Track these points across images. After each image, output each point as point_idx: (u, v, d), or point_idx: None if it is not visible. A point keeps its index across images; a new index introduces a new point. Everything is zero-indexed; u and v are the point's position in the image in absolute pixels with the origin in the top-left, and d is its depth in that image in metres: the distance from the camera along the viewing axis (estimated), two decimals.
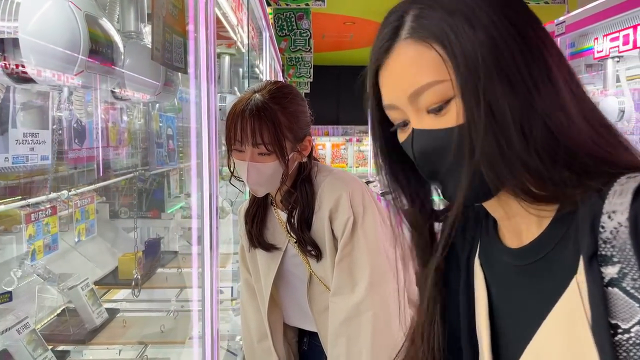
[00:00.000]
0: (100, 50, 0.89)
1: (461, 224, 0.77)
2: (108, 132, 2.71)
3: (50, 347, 1.56)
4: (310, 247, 1.42)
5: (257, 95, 1.34)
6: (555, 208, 0.62)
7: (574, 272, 0.58)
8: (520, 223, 0.66)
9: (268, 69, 3.49)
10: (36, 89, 1.97)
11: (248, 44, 2.68)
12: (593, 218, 0.57)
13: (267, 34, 3.21)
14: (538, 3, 4.39)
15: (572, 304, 0.58)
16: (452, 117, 0.60)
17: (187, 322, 1.92)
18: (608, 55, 2.88)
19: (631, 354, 0.54)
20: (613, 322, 0.55)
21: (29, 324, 1.48)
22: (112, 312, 1.95)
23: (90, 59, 0.87)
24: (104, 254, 2.65)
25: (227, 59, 2.80)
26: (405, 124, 0.65)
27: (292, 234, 1.43)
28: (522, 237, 0.67)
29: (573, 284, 0.58)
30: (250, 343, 1.65)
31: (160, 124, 3.52)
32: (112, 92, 1.24)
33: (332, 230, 1.41)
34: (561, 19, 3.26)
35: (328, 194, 1.41)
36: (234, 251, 3.01)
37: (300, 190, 1.43)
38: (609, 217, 0.56)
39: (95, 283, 2.16)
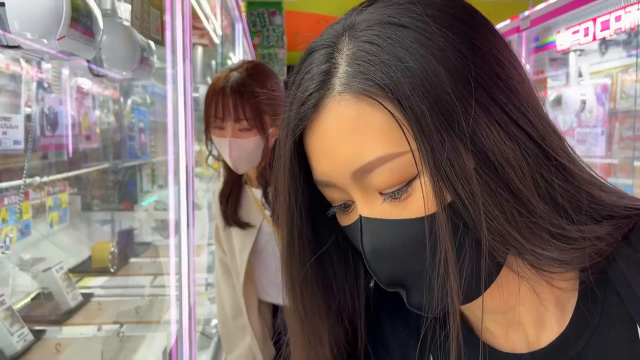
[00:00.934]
0: (80, 19, 0.93)
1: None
2: (80, 122, 2.70)
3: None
4: None
5: (235, 73, 1.38)
6: (577, 281, 0.49)
7: (636, 354, 0.46)
8: (527, 314, 0.50)
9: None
10: (9, 72, 1.97)
11: (222, 35, 2.71)
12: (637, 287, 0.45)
13: (240, 26, 3.24)
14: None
15: None
16: (419, 202, 0.43)
17: (161, 304, 1.94)
18: (569, 48, 3.01)
19: None
20: None
21: (5, 301, 1.49)
22: (87, 297, 1.96)
23: (71, 27, 0.90)
24: (76, 244, 2.63)
25: (199, 49, 2.82)
26: (346, 205, 0.48)
27: (267, 207, 1.48)
28: (535, 332, 0.50)
29: None
30: (224, 321, 1.68)
31: (133, 118, 3.51)
32: (89, 67, 1.26)
33: None
34: (526, 13, 3.38)
35: None
36: (208, 242, 3.03)
37: None
38: None
39: (69, 271, 2.15)
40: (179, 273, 1.41)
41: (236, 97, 1.34)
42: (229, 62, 3.45)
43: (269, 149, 1.42)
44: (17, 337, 1.49)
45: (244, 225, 1.57)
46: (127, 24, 1.29)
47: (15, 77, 1.98)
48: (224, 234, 1.63)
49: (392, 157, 0.42)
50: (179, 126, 1.20)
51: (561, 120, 3.58)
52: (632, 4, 2.39)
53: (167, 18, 1.21)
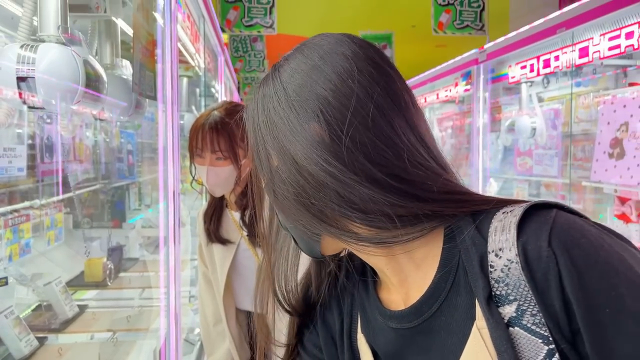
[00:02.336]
0: (92, 84, 1.19)
1: (331, 301, 0.75)
2: (75, 148, 2.93)
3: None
4: (259, 239, 1.71)
5: (215, 112, 1.64)
6: (438, 260, 0.60)
7: (472, 318, 0.56)
8: (409, 281, 0.63)
9: (223, 88, 3.78)
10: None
11: (205, 67, 2.97)
12: (480, 258, 0.56)
13: (222, 58, 3.50)
14: (462, 34, 4.89)
15: (478, 352, 0.55)
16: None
17: (149, 314, 2.17)
18: (519, 81, 3.32)
19: None
20: None
21: (14, 312, 1.71)
22: (82, 308, 2.18)
23: (85, 92, 1.16)
24: (69, 260, 2.85)
25: (185, 80, 3.08)
26: None
27: (244, 228, 1.72)
28: (409, 296, 0.63)
29: (474, 331, 0.55)
30: (206, 327, 1.91)
31: (122, 140, 3.74)
32: (93, 115, 1.51)
33: None
34: (484, 47, 3.70)
35: None
36: (191, 257, 3.25)
37: (252, 190, 1.73)
38: (497, 255, 0.54)
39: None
40: (166, 286, 1.64)
41: (212, 132, 1.60)
42: (212, 90, 3.71)
43: (241, 177, 1.67)
44: (25, 343, 1.71)
45: (224, 242, 1.80)
46: (124, 77, 1.54)
47: (18, 114, 2.21)
48: (206, 249, 1.86)
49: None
50: (167, 154, 1.44)
51: (521, 142, 3.89)
52: (568, 45, 2.70)
53: (159, 70, 1.46)
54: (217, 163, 1.63)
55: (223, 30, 4.37)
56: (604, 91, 3.28)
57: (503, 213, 0.56)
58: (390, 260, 0.63)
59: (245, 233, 1.76)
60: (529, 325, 0.52)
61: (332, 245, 0.66)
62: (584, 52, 2.62)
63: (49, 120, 2.16)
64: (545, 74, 3.05)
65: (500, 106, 3.84)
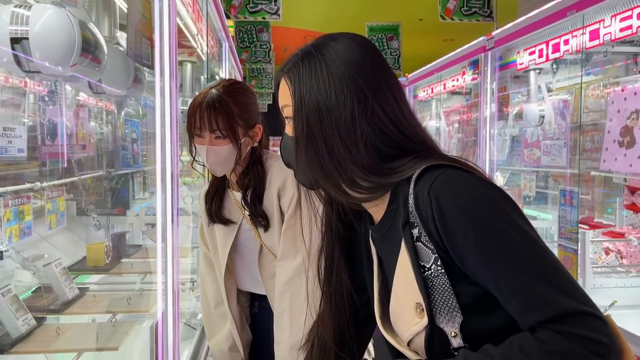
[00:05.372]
0: (89, 49, 1.15)
1: (356, 216, 1.05)
2: (77, 132, 2.91)
3: None
4: (260, 218, 1.68)
5: (213, 90, 1.61)
6: (387, 199, 0.92)
7: (402, 236, 0.87)
8: (373, 210, 0.97)
9: (228, 76, 3.74)
10: (11, 85, 2.18)
11: (207, 52, 2.94)
12: (404, 199, 0.86)
13: (227, 45, 3.47)
14: (470, 20, 4.83)
15: (403, 256, 0.87)
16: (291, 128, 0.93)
17: (150, 297, 2.14)
18: (528, 67, 3.27)
19: (434, 282, 0.84)
20: (422, 264, 0.85)
21: (11, 290, 1.69)
22: (82, 290, 2.16)
23: (82, 56, 1.13)
24: (72, 245, 2.83)
25: (189, 66, 3.05)
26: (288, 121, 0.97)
27: (246, 208, 1.69)
28: (377, 219, 0.97)
29: (402, 243, 0.87)
30: (207, 309, 1.88)
31: (126, 129, 3.72)
32: (90, 86, 1.48)
33: (280, 206, 1.68)
34: (492, 34, 3.64)
35: (277, 174, 1.68)
36: (193, 245, 3.23)
37: (253, 170, 1.69)
38: (410, 197, 0.85)
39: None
40: (164, 272, 1.60)
41: (210, 111, 1.56)
42: (217, 77, 3.68)
43: (241, 156, 1.64)
44: (22, 322, 1.69)
45: (226, 222, 1.77)
46: (122, 49, 1.51)
47: (18, 90, 2.19)
48: (207, 230, 1.83)
49: (287, 105, 0.92)
50: (165, 137, 1.41)
51: (529, 133, 3.84)
52: (578, 29, 2.65)
53: (157, 43, 1.43)
54: (216, 142, 1.60)
55: (228, 17, 4.34)
56: (614, 79, 3.23)
57: (426, 167, 0.85)
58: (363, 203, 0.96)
59: (247, 213, 1.73)
60: (424, 242, 0.84)
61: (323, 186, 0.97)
62: (594, 35, 2.57)
63: (48, 99, 2.14)
64: (555, 59, 2.99)
65: (508, 95, 3.79)
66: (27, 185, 2.26)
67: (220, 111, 1.57)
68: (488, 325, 0.84)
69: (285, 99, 0.92)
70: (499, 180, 4.20)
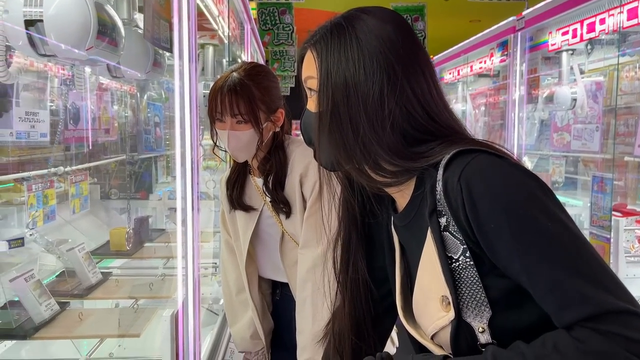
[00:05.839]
0: (106, 31, 1.11)
1: (377, 201, 0.98)
2: (100, 116, 2.91)
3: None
4: (282, 205, 1.64)
5: (234, 74, 1.56)
6: (413, 185, 0.86)
7: (428, 224, 0.82)
8: (397, 196, 0.91)
9: (250, 59, 3.70)
10: (36, 70, 2.17)
11: (229, 34, 2.90)
12: (432, 185, 0.81)
13: (249, 27, 3.42)
14: (500, 0, 4.67)
15: (429, 245, 0.82)
16: (314, 105, 0.86)
17: (172, 282, 2.14)
18: (560, 47, 3.15)
19: (462, 275, 0.79)
20: (449, 255, 0.80)
21: (34, 275, 1.69)
22: (106, 275, 2.16)
23: (98, 39, 1.09)
24: (96, 229, 2.85)
25: (210, 49, 3.01)
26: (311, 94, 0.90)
27: (267, 194, 1.65)
28: (401, 205, 0.91)
29: (428, 232, 0.82)
30: (229, 296, 1.86)
31: (149, 113, 3.71)
32: (108, 69, 1.45)
33: (302, 192, 1.64)
34: (522, 13, 3.51)
35: (299, 160, 1.64)
36: (215, 230, 3.22)
37: (275, 155, 1.65)
38: (438, 183, 0.79)
39: (90, 253, 2.35)
40: (185, 256, 1.58)
41: (231, 95, 1.52)
42: (239, 60, 3.64)
43: (263, 141, 1.60)
44: (45, 307, 1.69)
45: (247, 209, 1.74)
46: (140, 32, 1.47)
47: (41, 74, 2.18)
48: (229, 216, 1.81)
49: (311, 77, 0.86)
50: (185, 121, 1.38)
51: (559, 116, 3.72)
52: (615, 7, 2.53)
53: (175, 26, 1.39)
54: (237, 127, 1.56)
55: None
56: None
57: (456, 151, 0.79)
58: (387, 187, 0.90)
59: (268, 199, 1.69)
60: (452, 231, 0.79)
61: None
62: (632, 14, 2.44)
63: (70, 83, 2.12)
64: (589, 39, 2.86)
65: (538, 78, 3.66)
66: (51, 170, 2.27)
67: (242, 95, 1.53)
68: (519, 322, 0.79)
69: (310, 70, 0.86)
70: (527, 165, 4.08)
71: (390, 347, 1.77)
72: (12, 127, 1.97)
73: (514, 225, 0.73)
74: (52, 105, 2.28)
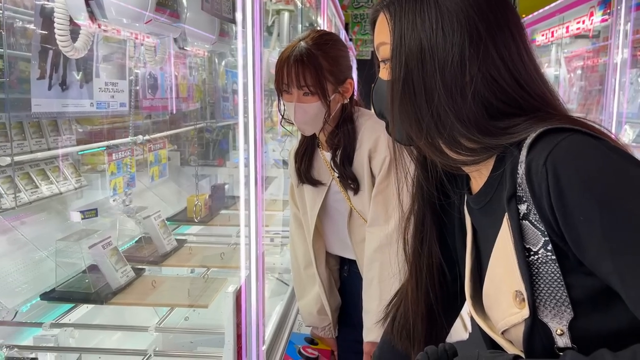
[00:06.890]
0: (166, 3, 1.07)
1: (450, 180, 0.91)
2: (178, 85, 2.95)
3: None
4: (350, 180, 1.59)
5: (302, 43, 1.49)
6: (492, 164, 0.78)
7: (505, 210, 0.73)
8: (474, 175, 0.83)
9: (327, 24, 3.60)
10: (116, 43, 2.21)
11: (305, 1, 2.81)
12: (513, 167, 0.71)
13: None
14: None
15: (505, 234, 0.73)
16: (387, 72, 0.79)
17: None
18: None
19: (541, 269, 0.70)
20: (527, 246, 0.71)
21: (111, 242, 1.75)
22: (181, 242, 2.21)
23: (157, 11, 1.05)
24: (174, 195, 2.94)
25: (286, 15, 2.94)
26: (384, 63, 0.83)
27: (335, 169, 1.60)
28: (477, 187, 0.83)
29: (505, 218, 0.73)
30: (297, 270, 1.85)
31: (226, 80, 3.74)
32: (175, 41, 1.42)
33: (371, 168, 1.57)
34: None
35: (368, 135, 1.56)
36: (284, 198, 3.21)
37: (343, 129, 1.59)
38: (521, 165, 0.69)
39: (167, 219, 2.43)
40: (248, 225, 1.55)
41: (298, 66, 1.46)
42: (315, 25, 3.55)
43: (331, 114, 1.52)
44: (121, 273, 1.76)
45: (315, 183, 1.70)
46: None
47: (120, 47, 2.22)
48: (297, 190, 1.78)
49: (384, 43, 0.78)
50: (248, 89, 1.32)
51: None
52: None
53: None
54: (304, 99, 1.50)
55: None
56: None
57: (542, 130, 0.69)
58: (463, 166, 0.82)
59: (336, 174, 1.64)
60: (533, 221, 0.69)
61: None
62: None
63: (148, 51, 2.13)
64: None
65: None
66: (130, 139, 2.34)
67: (309, 66, 1.46)
68: (604, 326, 0.69)
69: (383, 36, 0.78)
70: (628, 135, 3.74)
71: (463, 333, 1.68)
72: (92, 98, 2.04)
73: (608, 219, 0.63)
74: (131, 76, 2.32)
